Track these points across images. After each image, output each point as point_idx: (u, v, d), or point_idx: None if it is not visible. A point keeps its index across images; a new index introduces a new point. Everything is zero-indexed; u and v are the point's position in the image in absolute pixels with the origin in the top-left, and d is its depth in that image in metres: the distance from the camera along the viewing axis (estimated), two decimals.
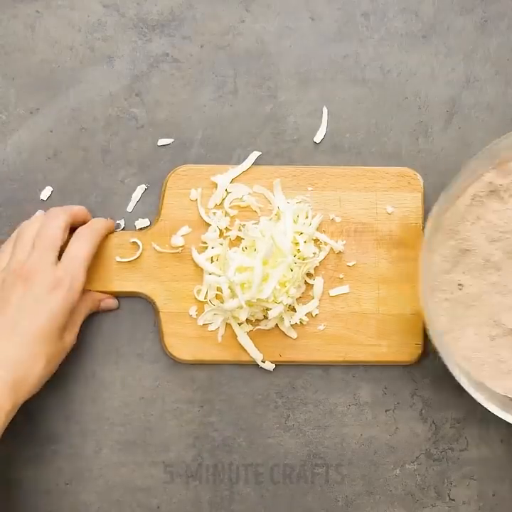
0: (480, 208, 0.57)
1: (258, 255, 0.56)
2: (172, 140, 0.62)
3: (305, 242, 0.59)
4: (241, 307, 0.57)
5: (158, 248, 0.59)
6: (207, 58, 0.62)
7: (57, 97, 0.62)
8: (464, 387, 0.53)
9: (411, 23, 0.63)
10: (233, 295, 0.57)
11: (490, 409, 0.53)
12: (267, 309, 0.58)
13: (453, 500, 0.61)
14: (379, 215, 0.60)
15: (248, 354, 0.60)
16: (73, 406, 0.61)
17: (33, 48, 0.61)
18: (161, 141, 0.62)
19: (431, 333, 0.52)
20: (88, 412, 0.61)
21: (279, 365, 0.61)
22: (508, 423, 0.53)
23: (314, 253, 0.59)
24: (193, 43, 0.62)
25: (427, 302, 0.53)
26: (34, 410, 0.60)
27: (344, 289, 0.60)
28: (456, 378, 0.52)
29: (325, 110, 0.62)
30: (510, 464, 0.61)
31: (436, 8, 0.63)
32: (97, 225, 0.58)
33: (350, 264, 0.60)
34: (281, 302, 0.57)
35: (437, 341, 0.52)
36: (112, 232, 0.60)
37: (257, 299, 0.56)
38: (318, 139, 0.62)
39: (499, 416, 0.53)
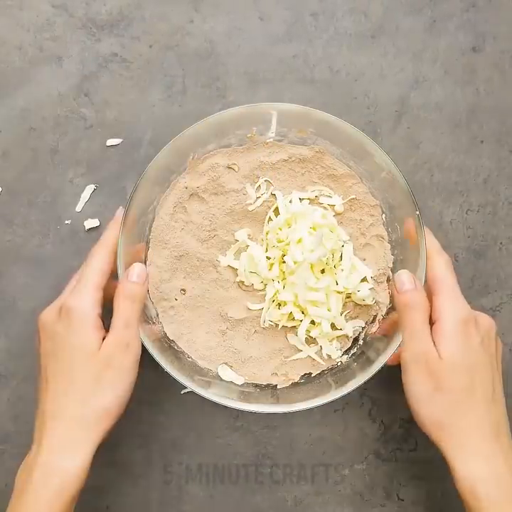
0: (184, 213, 0.59)
1: None
2: (121, 140, 0.62)
3: None
4: None
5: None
6: (156, 58, 0.62)
7: (6, 97, 0.62)
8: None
9: (360, 23, 0.63)
10: None
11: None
12: None
13: (402, 500, 0.61)
14: None
15: None
16: (22, 405, 0.61)
17: None
18: (110, 141, 0.62)
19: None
20: None
21: None
22: None
23: None
24: (142, 43, 0.62)
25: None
26: None
27: None
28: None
29: (274, 113, 0.61)
30: None
31: (385, 8, 0.63)
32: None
33: None
34: None
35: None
36: None
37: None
38: (267, 139, 0.61)
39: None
